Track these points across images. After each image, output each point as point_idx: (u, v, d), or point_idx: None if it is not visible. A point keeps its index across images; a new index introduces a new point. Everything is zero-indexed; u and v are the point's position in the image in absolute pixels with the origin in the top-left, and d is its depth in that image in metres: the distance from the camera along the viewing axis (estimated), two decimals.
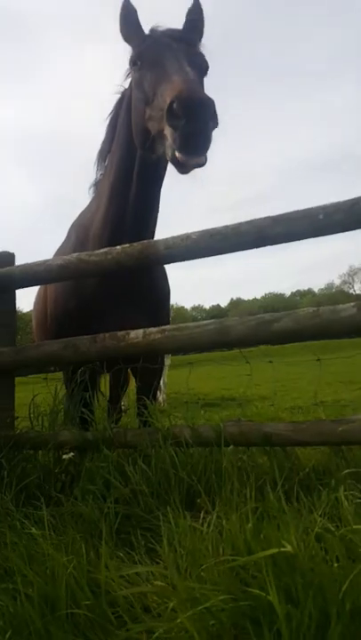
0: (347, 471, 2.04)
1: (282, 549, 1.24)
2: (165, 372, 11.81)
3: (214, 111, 2.14)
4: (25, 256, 3.04)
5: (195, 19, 2.88)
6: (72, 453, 2.53)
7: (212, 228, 2.48)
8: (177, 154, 2.23)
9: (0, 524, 1.99)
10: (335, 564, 1.25)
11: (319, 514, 1.73)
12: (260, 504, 1.84)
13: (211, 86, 2.64)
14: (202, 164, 2.29)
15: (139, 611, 1.38)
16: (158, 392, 10.33)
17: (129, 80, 2.95)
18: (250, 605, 1.19)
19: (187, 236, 2.50)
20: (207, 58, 2.72)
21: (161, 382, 11.52)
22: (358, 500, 1.77)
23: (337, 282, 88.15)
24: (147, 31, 2.80)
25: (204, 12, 2.91)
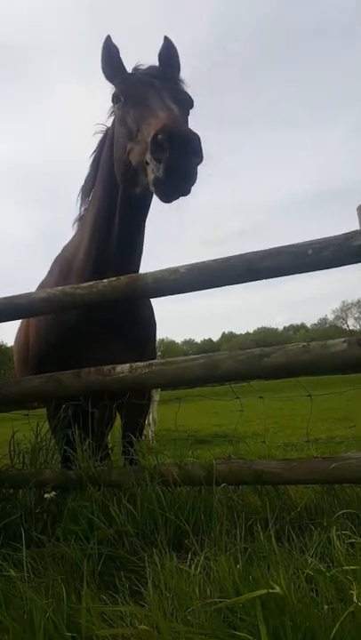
0: (340, 512, 1.98)
1: (270, 591, 1.18)
2: (155, 407, 11.71)
3: (199, 146, 2.15)
4: (15, 291, 3.01)
5: (170, 56, 2.95)
6: (54, 492, 2.44)
7: (201, 262, 2.49)
8: (157, 187, 2.25)
9: None
10: (326, 606, 1.19)
11: (311, 554, 1.68)
12: (250, 545, 1.78)
13: (199, 121, 2.70)
14: (186, 193, 2.31)
15: None
16: (148, 428, 10.23)
17: (112, 118, 2.99)
18: None
19: (175, 270, 2.50)
20: (191, 94, 2.78)
21: (151, 418, 11.44)
22: (350, 540, 1.72)
23: (330, 317, 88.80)
24: (129, 69, 2.87)
25: (177, 50, 2.99)
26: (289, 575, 1.39)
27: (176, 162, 2.14)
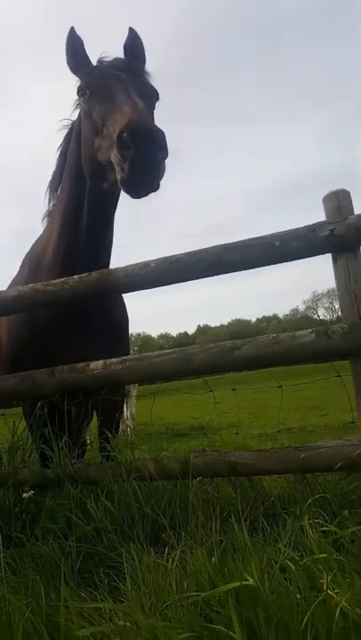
0: (311, 499, 2.03)
1: (244, 583, 1.22)
2: (134, 402, 11.71)
3: (164, 141, 2.17)
4: None
5: (135, 48, 2.94)
6: (32, 492, 2.44)
7: (172, 256, 2.50)
8: (125, 185, 2.26)
9: None
10: (298, 595, 1.23)
11: (284, 544, 1.71)
12: (225, 537, 1.81)
13: (170, 115, 2.70)
14: (154, 190, 2.33)
15: None
16: (128, 423, 10.21)
17: (77, 111, 2.97)
18: None
19: (146, 264, 2.51)
20: (157, 87, 2.78)
21: (129, 413, 11.44)
22: (323, 529, 1.77)
23: (302, 307, 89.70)
24: (94, 61, 2.84)
25: (142, 41, 2.98)
26: (263, 566, 1.42)
27: (141, 158, 2.16)
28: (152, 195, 2.38)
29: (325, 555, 1.43)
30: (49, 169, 3.32)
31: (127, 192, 2.34)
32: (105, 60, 2.84)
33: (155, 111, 2.73)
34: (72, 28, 2.84)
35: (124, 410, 11.13)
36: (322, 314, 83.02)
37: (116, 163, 2.25)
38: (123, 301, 3.34)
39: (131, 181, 2.25)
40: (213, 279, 2.58)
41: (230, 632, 1.14)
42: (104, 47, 2.90)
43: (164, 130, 2.18)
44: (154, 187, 2.31)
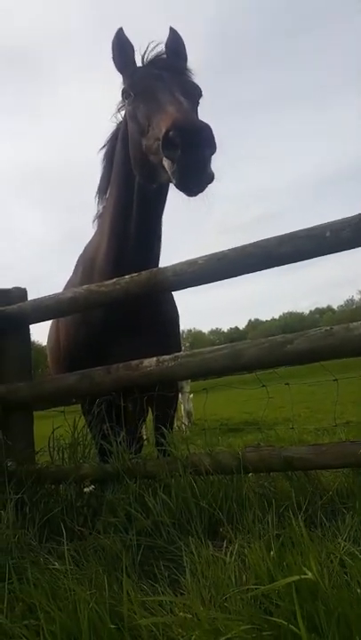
0: None
1: (303, 577, 1.22)
2: (191, 397, 11.80)
3: (211, 137, 2.16)
4: (43, 292, 3.09)
5: (177, 47, 2.95)
6: (93, 486, 2.52)
7: (219, 252, 2.50)
8: (179, 186, 2.29)
9: (23, 561, 1.98)
10: (358, 590, 1.22)
11: (343, 538, 1.70)
12: (283, 531, 1.81)
13: (213, 107, 2.70)
14: (209, 182, 2.32)
15: None
16: (184, 419, 10.29)
17: (122, 112, 3.02)
18: (273, 635, 1.17)
19: (194, 262, 2.53)
20: (199, 84, 2.79)
21: (186, 408, 11.51)
22: None
23: (357, 297, 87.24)
24: (138, 61, 2.88)
25: (183, 40, 2.99)
26: (322, 560, 1.42)
27: (190, 159, 2.17)
28: (208, 187, 2.37)
29: None
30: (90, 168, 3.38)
31: (183, 192, 2.35)
32: (148, 60, 2.87)
33: (198, 107, 2.74)
34: (120, 29, 2.88)
35: (181, 406, 11.26)
36: None
37: (166, 164, 2.27)
38: (173, 299, 3.38)
39: (184, 184, 2.28)
40: (264, 272, 2.57)
41: (292, 626, 1.14)
42: (144, 47, 2.94)
43: (209, 124, 2.17)
44: (208, 181, 2.31)
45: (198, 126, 2.16)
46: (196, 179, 2.27)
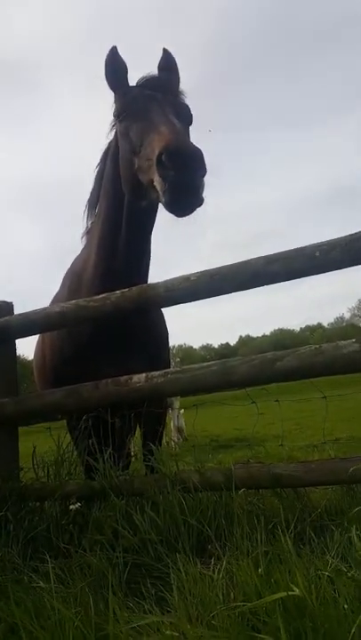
0: (358, 509, 1.99)
1: (290, 593, 1.21)
2: (182, 412, 11.76)
3: (202, 160, 2.21)
4: (33, 306, 3.08)
5: (169, 68, 3.00)
6: (79, 504, 2.49)
7: (212, 269, 2.52)
8: (169, 207, 2.32)
9: (6, 579, 1.95)
10: (345, 606, 1.21)
11: (331, 555, 1.69)
12: (271, 548, 1.80)
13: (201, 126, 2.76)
14: (199, 205, 2.36)
15: None
16: (173, 435, 10.25)
17: (113, 131, 3.05)
18: None
19: (186, 278, 2.54)
20: (191, 107, 2.84)
21: (176, 425, 11.46)
22: None
23: (347, 315, 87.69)
24: (133, 80, 2.91)
25: (176, 61, 3.04)
26: (310, 577, 1.41)
27: (182, 181, 2.21)
28: (197, 209, 2.41)
29: None
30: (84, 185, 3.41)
31: (172, 213, 2.39)
32: (141, 80, 2.91)
33: (190, 128, 2.78)
34: (114, 47, 2.91)
35: (170, 422, 11.20)
36: None
37: (158, 185, 2.31)
38: (162, 315, 3.39)
39: (174, 204, 2.32)
40: (255, 289, 2.59)
41: None
42: (136, 64, 2.99)
43: (201, 148, 2.22)
44: (198, 204, 2.35)
45: (191, 149, 2.21)
46: (186, 200, 2.32)
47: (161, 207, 2.75)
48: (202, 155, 2.20)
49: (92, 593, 1.75)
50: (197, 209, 2.39)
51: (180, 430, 11.48)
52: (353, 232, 2.29)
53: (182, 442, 9.93)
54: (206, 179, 2.29)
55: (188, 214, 2.39)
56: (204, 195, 2.35)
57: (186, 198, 2.30)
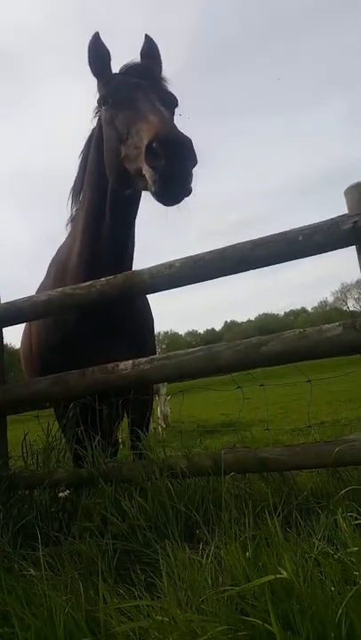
0: (343, 492, 2.02)
1: (277, 576, 1.23)
2: (169, 398, 11.82)
3: (193, 150, 2.18)
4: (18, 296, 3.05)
5: (152, 54, 2.97)
6: (68, 491, 2.50)
7: (196, 255, 2.52)
8: (158, 196, 2.29)
9: None
10: (332, 589, 1.24)
11: (318, 537, 1.72)
12: (259, 532, 1.83)
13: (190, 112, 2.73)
14: (187, 195, 2.34)
15: None
16: (160, 421, 10.33)
17: (96, 118, 3.02)
18: (249, 635, 1.18)
19: (170, 264, 2.54)
20: (175, 93, 2.81)
21: (162, 411, 11.52)
22: (357, 522, 1.76)
23: (330, 299, 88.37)
24: (115, 67, 2.88)
25: (158, 47, 3.01)
26: (297, 560, 1.43)
27: (172, 170, 2.19)
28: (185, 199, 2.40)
29: (359, 548, 1.43)
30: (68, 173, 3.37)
31: (161, 202, 2.36)
32: (125, 67, 2.87)
33: (175, 117, 2.75)
34: (96, 34, 2.86)
35: (157, 409, 11.26)
36: (351, 305, 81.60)
37: (147, 174, 2.28)
38: (147, 301, 3.38)
39: (164, 193, 2.29)
40: (239, 275, 2.59)
41: (266, 625, 1.15)
42: (119, 49, 2.94)
43: (190, 137, 2.19)
44: (186, 193, 2.33)
45: (181, 138, 2.18)
46: (176, 190, 2.29)
47: (145, 195, 2.74)
48: (192, 143, 2.17)
49: (82, 580, 1.76)
50: (185, 198, 2.38)
51: (165, 417, 11.54)
52: (334, 216, 2.30)
53: (166, 428, 9.98)
54: (195, 169, 2.28)
55: (176, 203, 2.38)
56: (192, 185, 2.34)
57: (175, 188, 2.28)
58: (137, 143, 2.36)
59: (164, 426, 10.42)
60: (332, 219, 2.28)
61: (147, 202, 2.81)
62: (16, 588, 1.74)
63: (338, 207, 2.43)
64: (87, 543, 2.09)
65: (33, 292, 3.28)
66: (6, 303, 3.01)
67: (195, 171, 2.28)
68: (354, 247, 2.32)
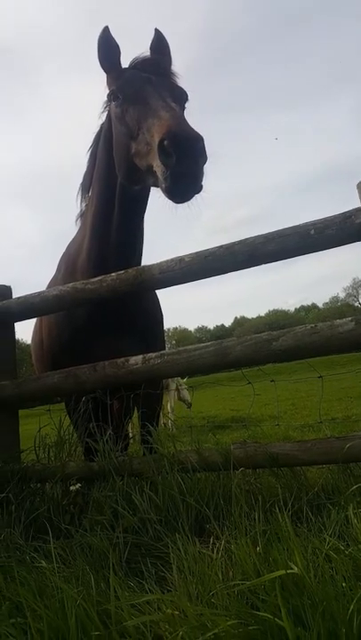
0: (354, 487, 2.01)
1: (288, 571, 1.23)
2: (174, 396, 11.83)
3: (204, 147, 2.17)
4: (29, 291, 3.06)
5: (162, 49, 2.95)
6: (79, 485, 2.52)
7: (206, 250, 2.51)
8: (169, 193, 2.29)
9: (9, 559, 1.97)
10: (343, 584, 1.24)
11: (329, 533, 1.72)
12: (269, 527, 1.83)
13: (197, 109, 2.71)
14: (198, 192, 2.33)
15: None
16: (170, 416, 10.37)
17: (105, 113, 3.01)
18: (259, 629, 1.18)
19: (180, 259, 2.54)
20: (185, 88, 2.78)
21: (183, 396, 11.53)
22: None
23: (342, 295, 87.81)
24: (124, 62, 2.86)
25: (168, 41, 2.99)
26: (307, 555, 1.43)
27: (184, 168, 2.18)
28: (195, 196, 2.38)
29: None
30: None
31: (171, 199, 2.35)
32: (134, 61, 2.85)
33: (185, 112, 2.74)
34: (106, 28, 2.85)
35: (167, 404, 11.27)
36: None
37: (159, 171, 2.27)
38: (156, 296, 3.39)
39: (175, 191, 2.28)
40: (250, 270, 2.58)
41: (277, 620, 1.16)
42: (130, 44, 2.93)
43: (202, 133, 2.18)
44: (197, 190, 2.32)
45: (193, 135, 2.16)
46: (187, 187, 2.28)
47: (153, 192, 2.73)
48: (203, 141, 2.16)
49: (93, 572, 1.77)
50: (196, 195, 2.37)
51: (184, 401, 11.52)
52: (346, 210, 2.28)
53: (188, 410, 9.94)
54: (206, 166, 2.28)
55: (186, 201, 2.37)
56: (203, 182, 2.33)
57: (187, 185, 2.27)
58: (148, 140, 2.35)
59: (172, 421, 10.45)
60: (344, 212, 2.27)
61: (156, 198, 2.83)
62: (28, 579, 1.75)
63: (343, 206, 2.41)
64: (98, 536, 2.10)
65: (37, 289, 3.29)
66: (18, 298, 3.03)
67: (206, 168, 2.28)
68: None
